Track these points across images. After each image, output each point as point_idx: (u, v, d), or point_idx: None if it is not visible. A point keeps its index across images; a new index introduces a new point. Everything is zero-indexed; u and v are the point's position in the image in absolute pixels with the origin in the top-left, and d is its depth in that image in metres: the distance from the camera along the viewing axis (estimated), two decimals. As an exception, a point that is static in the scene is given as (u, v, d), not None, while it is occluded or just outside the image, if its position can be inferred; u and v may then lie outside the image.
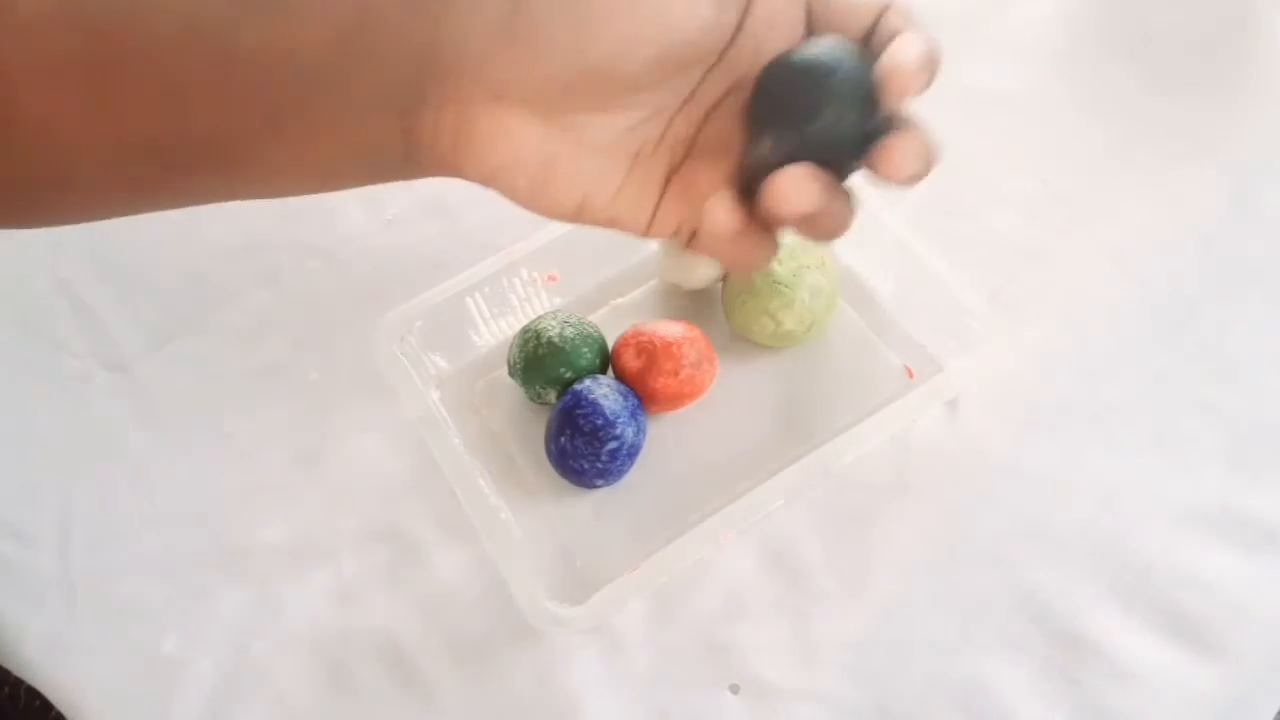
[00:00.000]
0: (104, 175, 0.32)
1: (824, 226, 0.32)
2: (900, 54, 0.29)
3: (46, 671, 0.46)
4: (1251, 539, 0.46)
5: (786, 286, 0.49)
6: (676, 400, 0.49)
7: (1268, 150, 0.57)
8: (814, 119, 0.30)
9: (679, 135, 0.34)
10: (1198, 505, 0.47)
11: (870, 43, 0.31)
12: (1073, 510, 0.47)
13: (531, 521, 0.48)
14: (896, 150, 0.30)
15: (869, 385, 0.50)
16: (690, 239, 0.34)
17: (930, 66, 0.30)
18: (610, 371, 0.50)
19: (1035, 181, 0.57)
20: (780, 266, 0.49)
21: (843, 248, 0.54)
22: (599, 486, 0.48)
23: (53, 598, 0.48)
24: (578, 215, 0.33)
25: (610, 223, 0.33)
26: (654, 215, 0.33)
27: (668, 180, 0.34)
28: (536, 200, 0.32)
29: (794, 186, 0.30)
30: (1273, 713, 0.44)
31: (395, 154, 0.32)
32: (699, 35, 0.31)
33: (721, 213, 0.31)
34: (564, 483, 0.49)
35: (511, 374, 0.50)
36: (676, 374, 0.48)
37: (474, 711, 0.44)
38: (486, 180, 0.32)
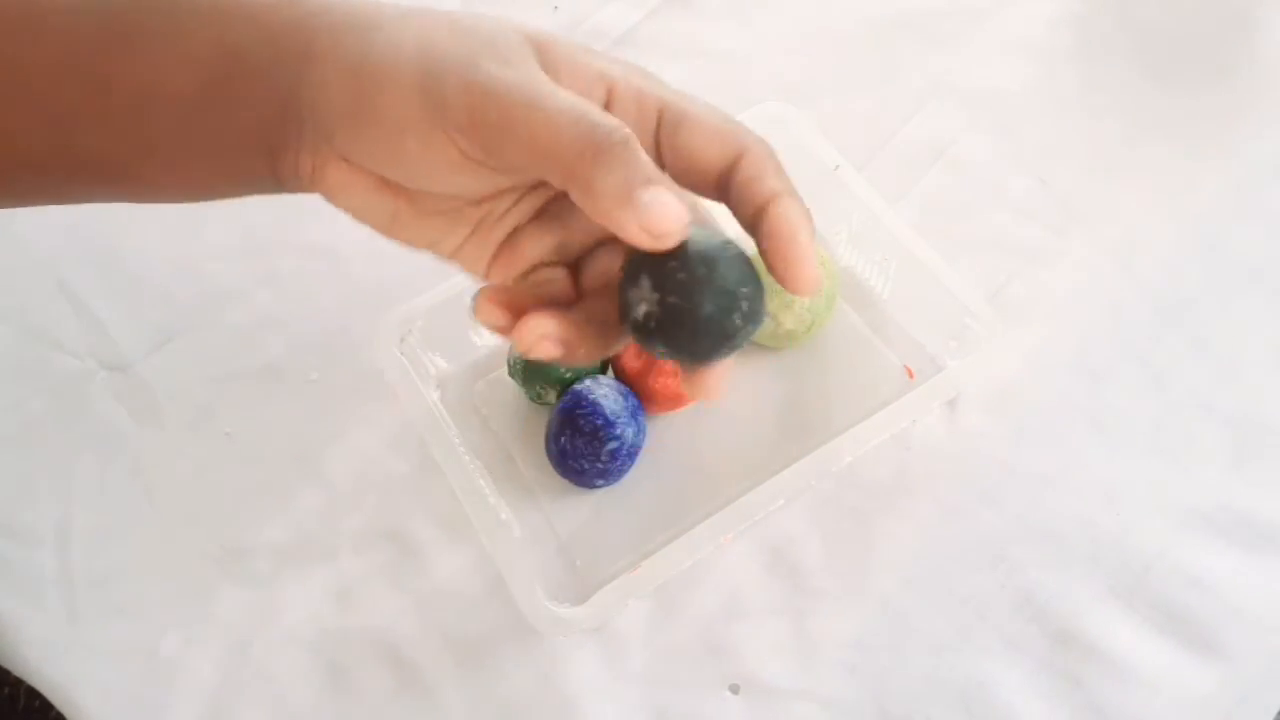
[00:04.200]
0: None
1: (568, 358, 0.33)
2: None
3: (46, 671, 0.46)
4: (1251, 539, 0.46)
5: (786, 286, 0.49)
6: (676, 400, 0.49)
7: (1268, 150, 0.57)
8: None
9: (528, 206, 0.35)
10: (1198, 505, 0.47)
11: (727, 184, 0.31)
12: (1073, 510, 0.47)
13: (531, 521, 0.48)
14: (704, 382, 0.33)
15: (869, 385, 0.50)
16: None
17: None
18: (610, 372, 0.50)
19: (1035, 181, 0.57)
20: (780, 266, 0.49)
21: (842, 248, 0.54)
22: (599, 486, 0.48)
23: (53, 598, 0.48)
24: (430, 252, 0.35)
25: (457, 265, 0.35)
26: (490, 265, 0.35)
27: (506, 239, 0.35)
28: (389, 237, 0.34)
29: (532, 326, 0.31)
30: (1273, 713, 0.44)
31: (267, 181, 0.33)
32: (507, 188, 0.32)
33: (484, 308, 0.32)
34: (564, 483, 0.49)
35: (511, 374, 0.50)
36: (676, 374, 0.48)
37: (474, 711, 0.44)
38: (343, 211, 0.34)
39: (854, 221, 0.52)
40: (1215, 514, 0.47)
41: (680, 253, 0.29)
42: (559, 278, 0.34)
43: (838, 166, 0.52)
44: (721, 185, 0.31)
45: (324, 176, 0.32)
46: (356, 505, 0.50)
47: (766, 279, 0.30)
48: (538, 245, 0.35)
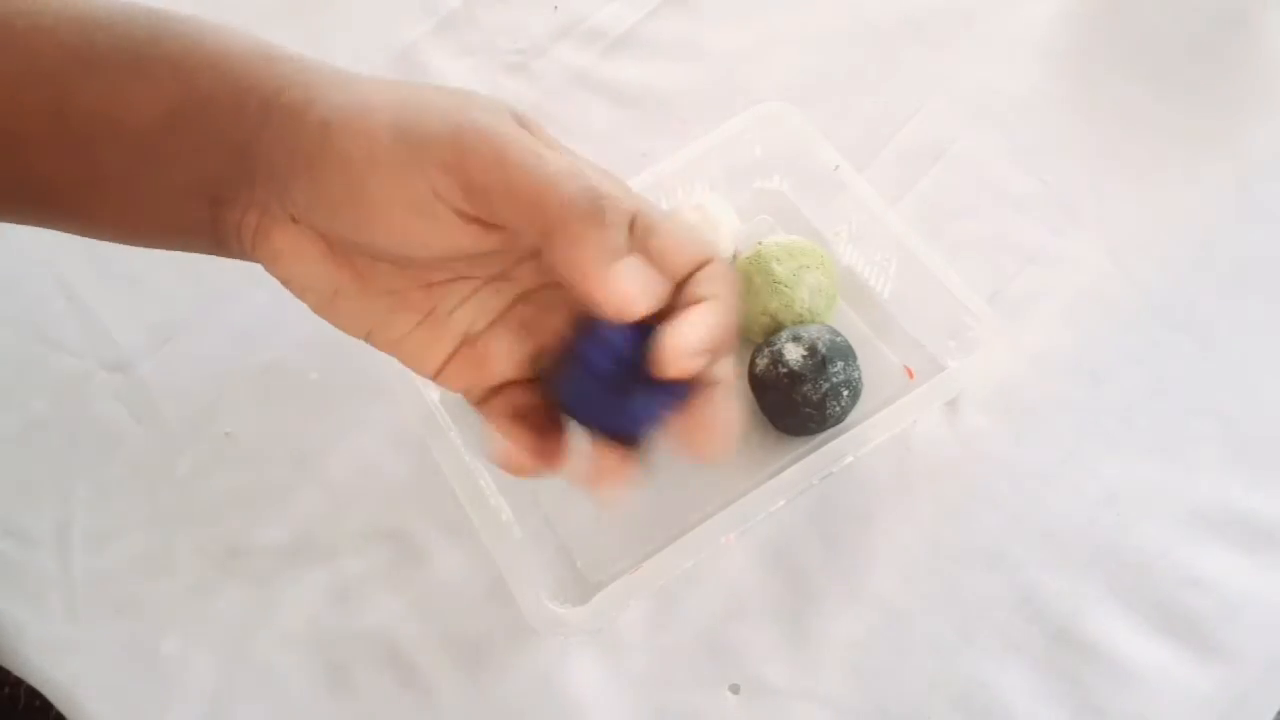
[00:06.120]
0: None
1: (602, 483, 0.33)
2: (681, 333, 0.29)
3: (46, 671, 0.46)
4: (1251, 539, 0.46)
5: (786, 286, 0.49)
6: (676, 400, 0.49)
7: (1267, 150, 0.57)
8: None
9: (487, 305, 0.34)
10: (1198, 505, 0.47)
11: (679, 292, 0.31)
12: (1073, 510, 0.47)
13: (531, 521, 0.48)
14: (692, 430, 0.31)
15: (869, 385, 0.50)
16: (481, 402, 0.35)
17: (710, 351, 0.30)
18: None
19: (1035, 181, 0.57)
20: (780, 266, 0.49)
21: (843, 248, 0.54)
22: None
23: (53, 598, 0.48)
24: (368, 341, 0.34)
25: (398, 358, 0.34)
26: (443, 368, 0.34)
27: (464, 341, 0.34)
28: (324, 317, 0.33)
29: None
30: (1273, 713, 0.44)
31: (204, 238, 0.33)
32: (468, 251, 0.31)
33: (507, 444, 0.33)
34: (563, 482, 0.48)
35: (511, 374, 0.50)
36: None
37: (474, 711, 0.44)
38: (282, 283, 0.33)
39: (854, 221, 0.52)
40: (1215, 514, 0.47)
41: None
42: (534, 401, 0.34)
43: (838, 166, 0.52)
44: (679, 289, 0.31)
45: (267, 238, 0.31)
46: (356, 505, 0.50)
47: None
48: (510, 356, 0.34)
